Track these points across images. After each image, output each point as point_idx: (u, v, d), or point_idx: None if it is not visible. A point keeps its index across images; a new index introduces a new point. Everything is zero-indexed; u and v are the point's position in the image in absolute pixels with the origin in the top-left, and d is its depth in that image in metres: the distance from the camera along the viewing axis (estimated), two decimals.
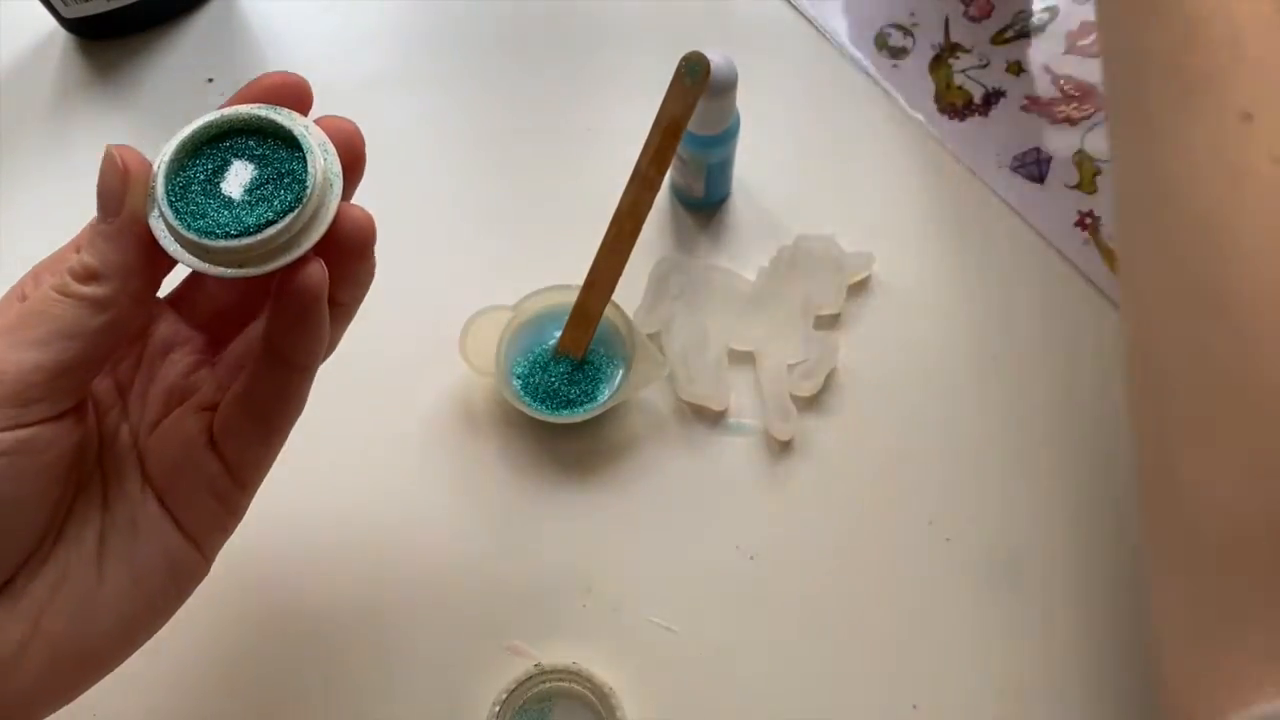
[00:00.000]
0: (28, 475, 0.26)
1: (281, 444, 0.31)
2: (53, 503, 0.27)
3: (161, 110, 0.54)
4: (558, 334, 0.45)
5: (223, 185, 0.28)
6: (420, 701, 0.40)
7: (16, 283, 0.29)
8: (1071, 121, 0.53)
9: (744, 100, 0.45)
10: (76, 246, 0.29)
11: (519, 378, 0.45)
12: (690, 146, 0.46)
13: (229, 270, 0.27)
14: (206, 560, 0.31)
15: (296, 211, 0.27)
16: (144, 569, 0.29)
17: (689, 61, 0.41)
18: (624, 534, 0.43)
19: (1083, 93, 0.53)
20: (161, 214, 0.27)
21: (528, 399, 0.44)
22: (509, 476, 0.44)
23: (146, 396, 0.31)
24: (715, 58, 0.42)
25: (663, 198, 0.50)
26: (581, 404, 0.44)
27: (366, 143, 0.30)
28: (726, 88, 0.43)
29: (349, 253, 0.29)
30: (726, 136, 0.46)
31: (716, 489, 0.44)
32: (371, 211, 0.29)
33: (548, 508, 0.44)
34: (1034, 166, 0.52)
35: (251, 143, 0.28)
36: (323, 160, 0.28)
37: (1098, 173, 0.52)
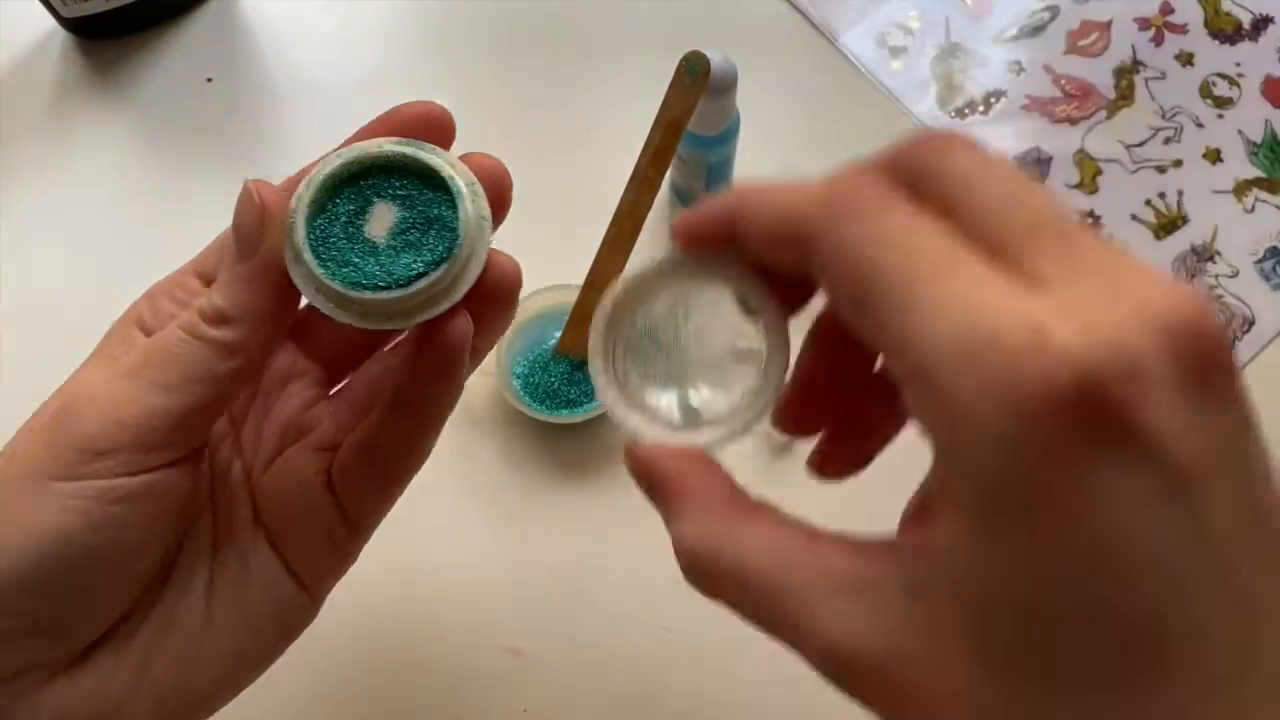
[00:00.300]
0: (145, 521, 0.25)
1: (400, 493, 0.30)
2: (166, 547, 0.26)
3: (160, 109, 0.54)
4: (558, 334, 0.45)
5: (366, 229, 0.25)
6: (419, 701, 0.40)
7: (131, 306, 0.28)
8: (1072, 121, 0.53)
9: (744, 100, 0.45)
10: (196, 272, 0.28)
11: (519, 378, 0.45)
12: (690, 146, 0.46)
13: (373, 324, 0.25)
14: (315, 604, 0.29)
15: (449, 263, 0.25)
16: (252, 613, 0.27)
17: (689, 61, 0.41)
18: (624, 534, 0.43)
19: (1083, 92, 0.53)
20: (302, 260, 0.25)
21: (528, 399, 0.44)
22: (509, 476, 0.44)
23: (261, 431, 0.30)
24: (715, 58, 0.42)
25: (663, 198, 0.50)
26: (581, 404, 0.44)
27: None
28: (726, 88, 0.43)
29: (495, 301, 0.27)
30: (726, 136, 0.46)
31: None
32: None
33: (548, 507, 0.44)
34: (1034, 167, 0.52)
35: (395, 182, 0.26)
36: (472, 205, 0.25)
37: (1098, 172, 0.52)
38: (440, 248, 0.25)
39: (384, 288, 0.25)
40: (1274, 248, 0.50)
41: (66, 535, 0.23)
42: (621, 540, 0.43)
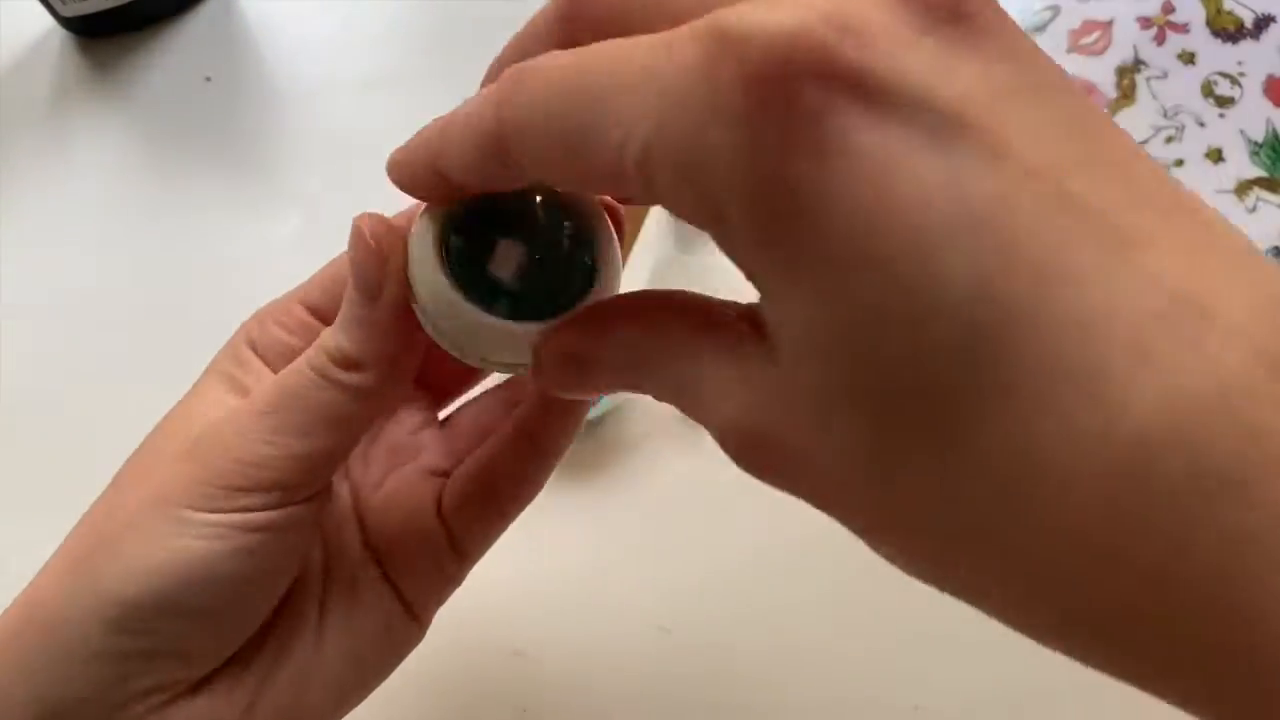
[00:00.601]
0: (279, 551, 0.25)
1: (510, 523, 0.30)
2: (294, 574, 0.27)
3: (159, 109, 0.54)
4: None
5: (491, 267, 0.23)
6: (418, 701, 0.40)
7: (241, 326, 0.28)
8: None
9: None
10: (302, 301, 0.28)
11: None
12: None
13: (505, 369, 0.25)
14: (422, 627, 0.29)
15: (584, 300, 0.23)
16: (362, 638, 0.28)
17: None
18: (624, 534, 0.43)
19: (1085, 92, 0.53)
20: (426, 307, 0.24)
21: None
22: None
23: (369, 455, 0.30)
24: None
25: None
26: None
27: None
28: None
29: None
30: None
31: (718, 489, 0.44)
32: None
33: (548, 508, 0.44)
34: None
35: (517, 216, 0.24)
36: (608, 237, 0.24)
37: None
38: (575, 286, 0.24)
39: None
40: (1276, 247, 0.50)
41: (207, 559, 0.24)
42: (621, 541, 0.43)
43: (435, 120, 0.22)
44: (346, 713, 0.28)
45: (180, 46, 0.56)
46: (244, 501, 0.24)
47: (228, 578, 0.24)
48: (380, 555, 0.28)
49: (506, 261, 0.24)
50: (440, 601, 0.30)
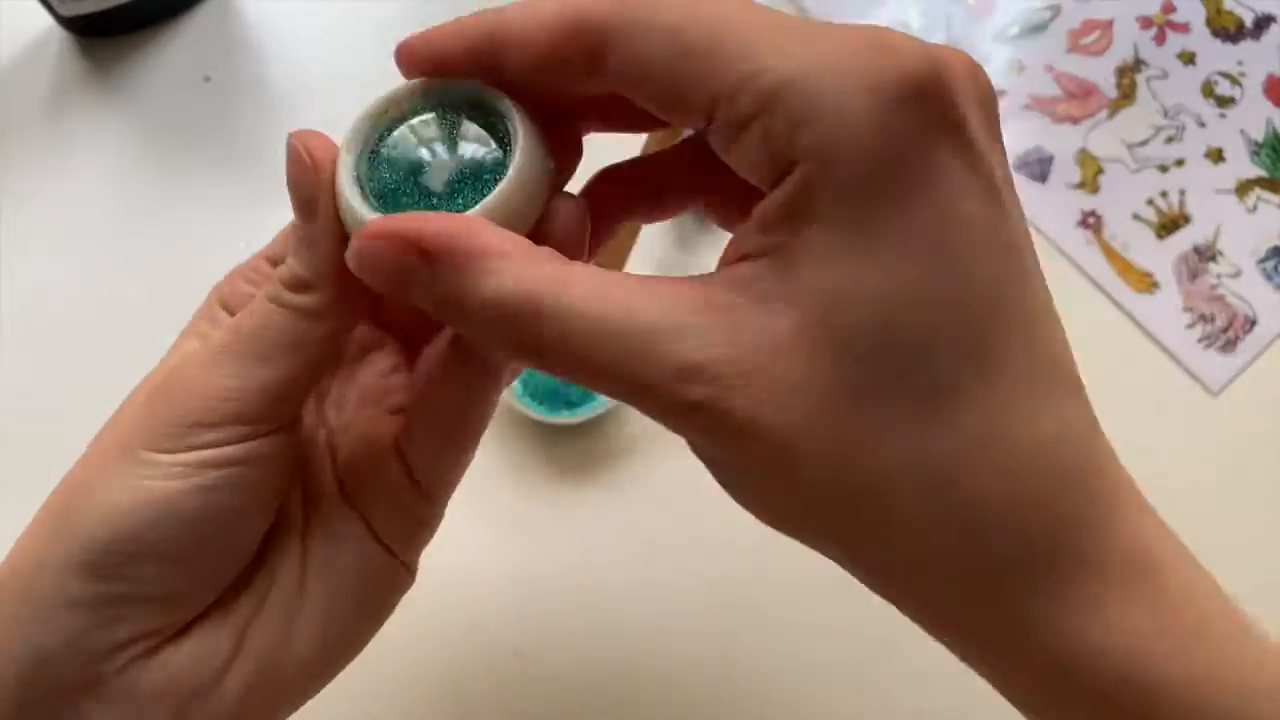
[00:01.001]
0: (250, 486, 0.25)
1: (467, 457, 0.29)
2: (267, 515, 0.26)
3: (159, 108, 0.54)
4: None
5: (424, 177, 0.24)
6: (418, 701, 0.40)
7: (214, 287, 0.28)
8: (1074, 120, 0.53)
9: None
10: (267, 257, 0.28)
11: (518, 378, 0.45)
12: None
13: None
14: (409, 570, 0.29)
15: (496, 199, 0.23)
16: (344, 580, 0.27)
17: None
18: (624, 535, 0.43)
19: (1085, 91, 0.53)
20: (355, 212, 0.23)
21: (527, 399, 0.44)
22: (508, 478, 0.44)
23: (343, 399, 0.30)
24: None
25: None
26: (582, 404, 0.44)
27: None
28: None
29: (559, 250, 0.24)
30: None
31: (717, 489, 0.44)
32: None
33: (547, 509, 0.44)
34: (1036, 166, 0.52)
35: (454, 123, 0.24)
36: (532, 143, 0.23)
37: (1100, 172, 0.51)
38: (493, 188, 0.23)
39: None
40: (1276, 247, 0.50)
41: (173, 500, 0.24)
42: (621, 542, 0.43)
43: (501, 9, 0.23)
44: (340, 660, 0.28)
45: (180, 46, 0.56)
46: (206, 437, 0.24)
47: (191, 516, 0.24)
48: (348, 492, 0.28)
49: (438, 174, 0.24)
50: (420, 543, 0.29)
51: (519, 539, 0.43)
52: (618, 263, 0.43)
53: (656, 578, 0.42)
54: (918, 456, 0.20)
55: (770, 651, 0.41)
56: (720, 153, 0.22)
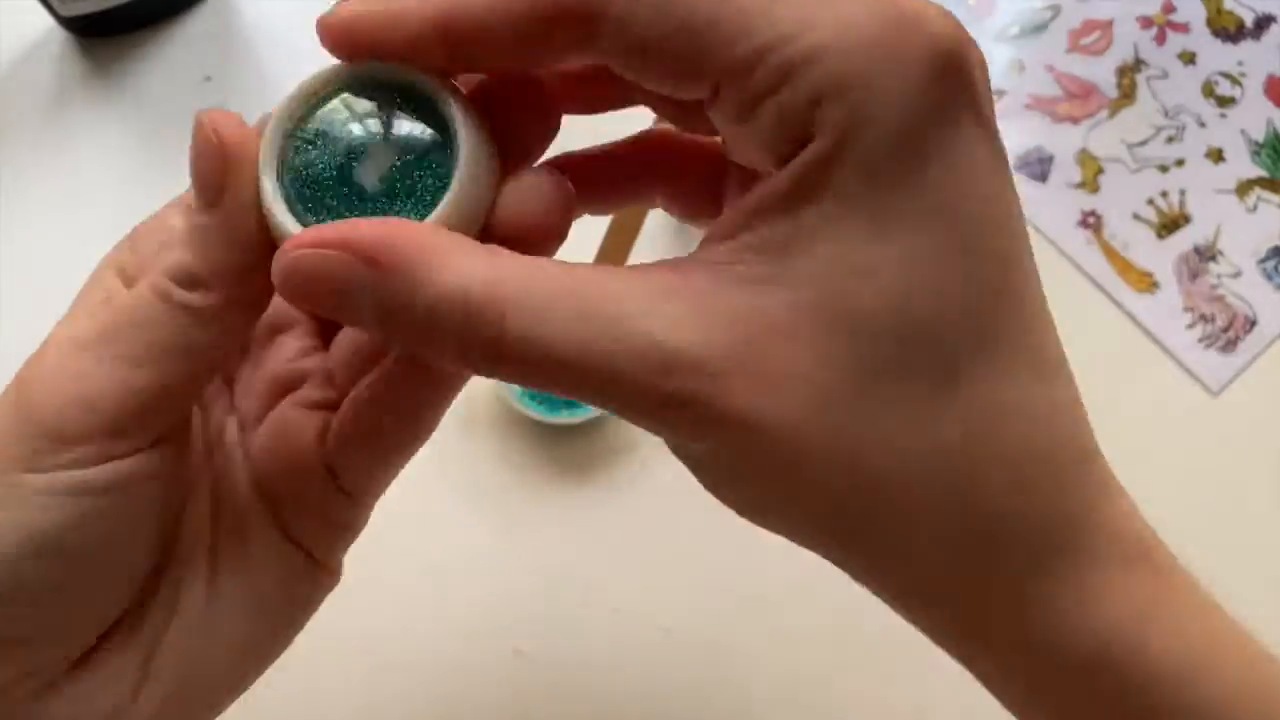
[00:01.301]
0: (130, 510, 0.22)
1: (403, 464, 0.26)
2: (161, 530, 0.24)
3: (159, 108, 0.54)
4: None
5: (355, 171, 0.21)
6: (417, 702, 0.40)
7: (113, 249, 0.24)
8: (1074, 120, 0.53)
9: None
10: (188, 205, 0.23)
11: None
12: None
13: None
14: (330, 571, 0.26)
15: (444, 206, 0.20)
16: (261, 587, 0.25)
17: None
18: (625, 535, 0.43)
19: (1085, 91, 0.53)
20: (289, 209, 0.21)
21: (527, 399, 0.44)
22: (507, 479, 0.44)
23: (253, 385, 0.26)
24: None
25: None
26: (581, 405, 0.44)
27: None
28: None
29: (521, 244, 0.21)
30: None
31: None
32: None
33: (547, 509, 0.44)
34: (1036, 166, 0.52)
35: (384, 109, 0.21)
36: (471, 138, 0.21)
37: (1101, 171, 0.51)
38: (436, 186, 0.21)
39: None
40: (1276, 247, 0.50)
41: (42, 534, 0.21)
42: (621, 542, 0.43)
43: None
44: (259, 669, 0.26)
45: (180, 46, 0.56)
46: (77, 453, 0.21)
47: (71, 551, 0.21)
48: (264, 492, 0.25)
49: (371, 167, 0.21)
50: (343, 547, 0.26)
51: (519, 539, 0.43)
52: (619, 264, 0.43)
53: (656, 578, 0.42)
54: (931, 443, 0.19)
55: (770, 651, 0.41)
56: (720, 127, 0.20)
